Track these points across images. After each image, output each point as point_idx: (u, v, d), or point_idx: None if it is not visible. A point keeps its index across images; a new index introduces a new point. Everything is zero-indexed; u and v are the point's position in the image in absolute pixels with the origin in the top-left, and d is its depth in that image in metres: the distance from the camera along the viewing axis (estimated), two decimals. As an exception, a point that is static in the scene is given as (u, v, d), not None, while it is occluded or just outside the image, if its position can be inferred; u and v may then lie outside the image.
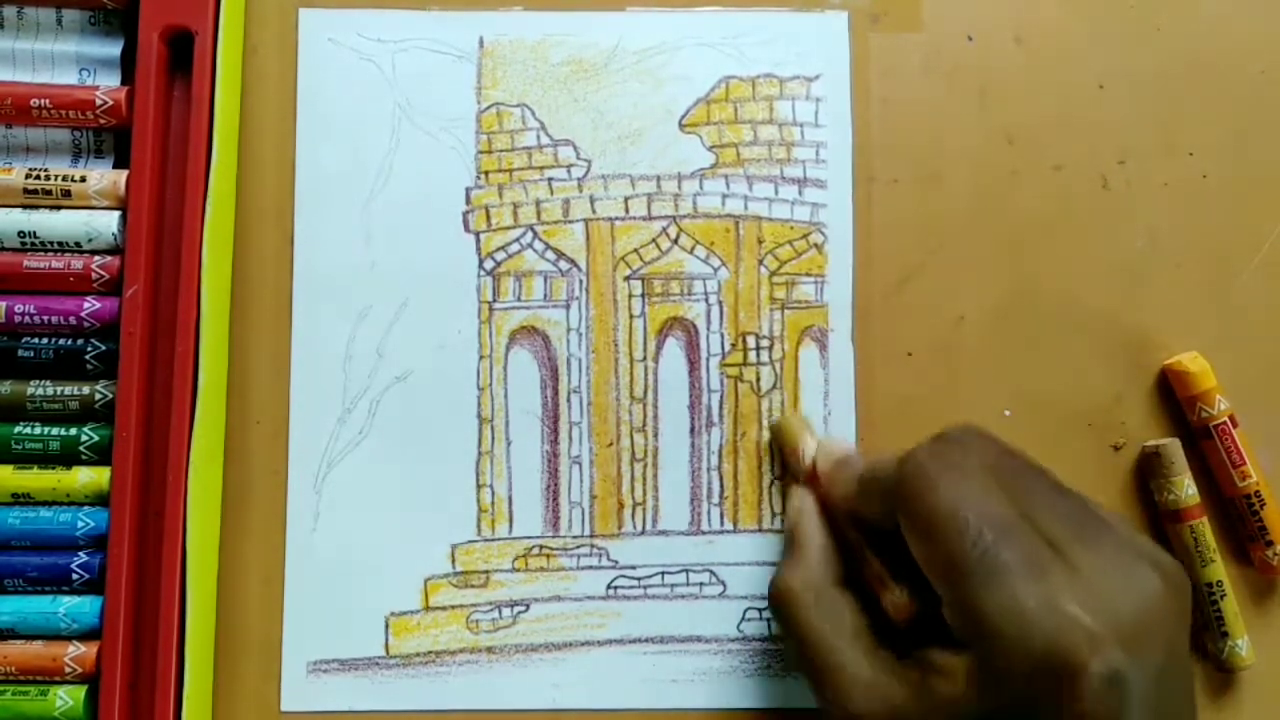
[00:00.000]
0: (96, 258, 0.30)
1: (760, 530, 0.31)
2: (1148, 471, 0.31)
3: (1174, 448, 0.31)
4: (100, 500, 0.30)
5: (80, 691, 0.29)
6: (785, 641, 0.27)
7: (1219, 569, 0.30)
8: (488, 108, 0.32)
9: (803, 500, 0.29)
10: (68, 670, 0.29)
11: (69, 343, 0.30)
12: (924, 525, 0.24)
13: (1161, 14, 0.33)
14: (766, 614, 0.31)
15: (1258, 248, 0.32)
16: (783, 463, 0.31)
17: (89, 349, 0.30)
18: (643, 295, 0.32)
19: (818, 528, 0.28)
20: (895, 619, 0.26)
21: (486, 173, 0.32)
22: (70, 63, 0.31)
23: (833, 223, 0.32)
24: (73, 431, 0.30)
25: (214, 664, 0.30)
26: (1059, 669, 0.21)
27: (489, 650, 0.31)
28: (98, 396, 0.30)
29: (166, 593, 0.29)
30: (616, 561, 0.31)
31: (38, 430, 0.30)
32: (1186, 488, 0.30)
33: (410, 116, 0.32)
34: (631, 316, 0.32)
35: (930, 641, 0.24)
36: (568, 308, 0.32)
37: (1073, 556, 0.23)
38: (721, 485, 0.31)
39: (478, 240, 0.32)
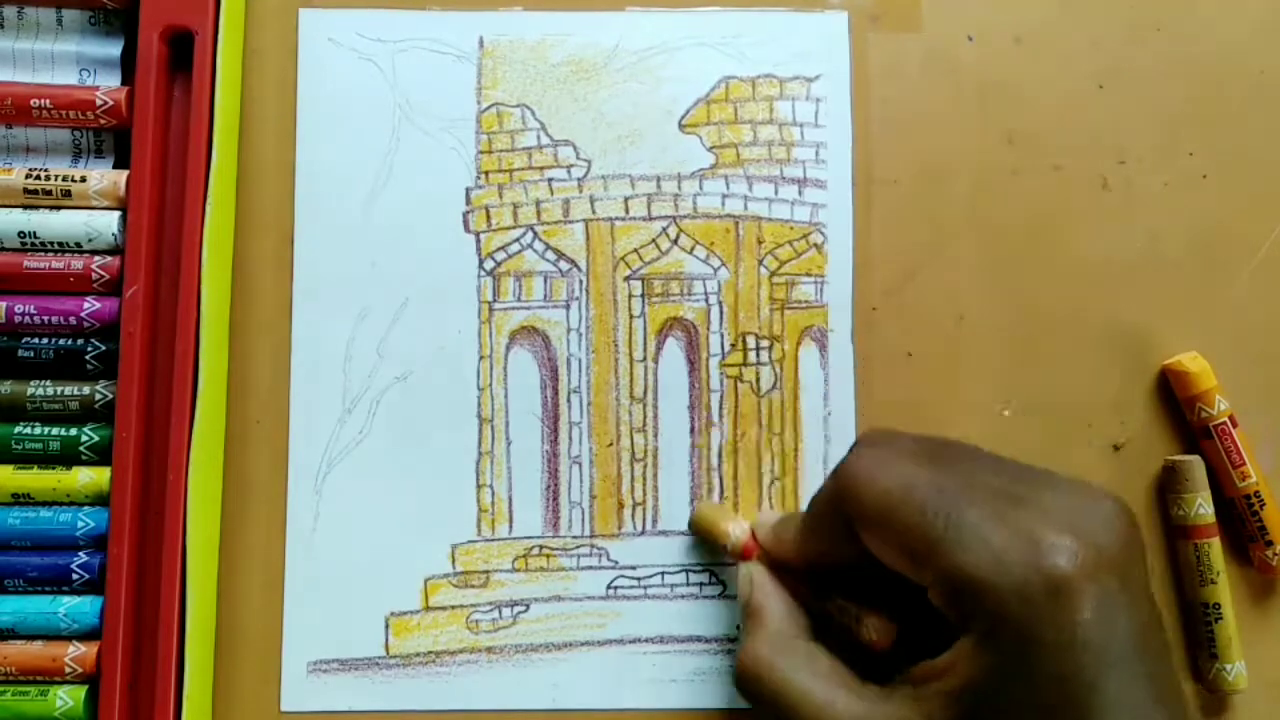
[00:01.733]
0: (96, 258, 0.30)
1: (760, 530, 0.31)
2: (1165, 484, 0.31)
3: (1192, 466, 0.31)
4: (100, 500, 0.30)
5: (80, 692, 0.29)
6: (764, 711, 0.26)
7: (1219, 591, 0.30)
8: (488, 108, 0.32)
9: (752, 572, 0.28)
10: (68, 670, 0.29)
11: (69, 343, 0.30)
12: (881, 517, 0.24)
13: (1161, 14, 0.33)
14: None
15: (1257, 248, 0.32)
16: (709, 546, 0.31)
17: (89, 349, 0.30)
18: (643, 295, 0.32)
19: (772, 593, 0.28)
20: (878, 647, 0.26)
21: (486, 173, 0.32)
22: (70, 63, 0.31)
23: (833, 223, 0.32)
24: (73, 431, 0.30)
25: (214, 664, 0.30)
26: (1054, 591, 0.21)
27: (489, 650, 0.31)
28: (98, 396, 0.30)
29: (166, 593, 0.29)
30: (616, 561, 0.31)
31: (38, 430, 0.30)
32: (1198, 505, 0.30)
33: (410, 117, 0.32)
34: (631, 316, 0.32)
35: (911, 664, 0.24)
36: (568, 308, 0.32)
37: (1033, 498, 0.23)
38: (721, 485, 0.31)
39: (478, 240, 0.32)
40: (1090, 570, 0.22)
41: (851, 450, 0.26)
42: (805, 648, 0.26)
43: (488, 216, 0.32)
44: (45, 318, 0.30)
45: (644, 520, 0.31)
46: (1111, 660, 0.22)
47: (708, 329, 0.32)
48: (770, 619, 0.27)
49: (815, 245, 0.32)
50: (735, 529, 0.29)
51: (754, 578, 0.28)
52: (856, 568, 0.25)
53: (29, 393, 0.30)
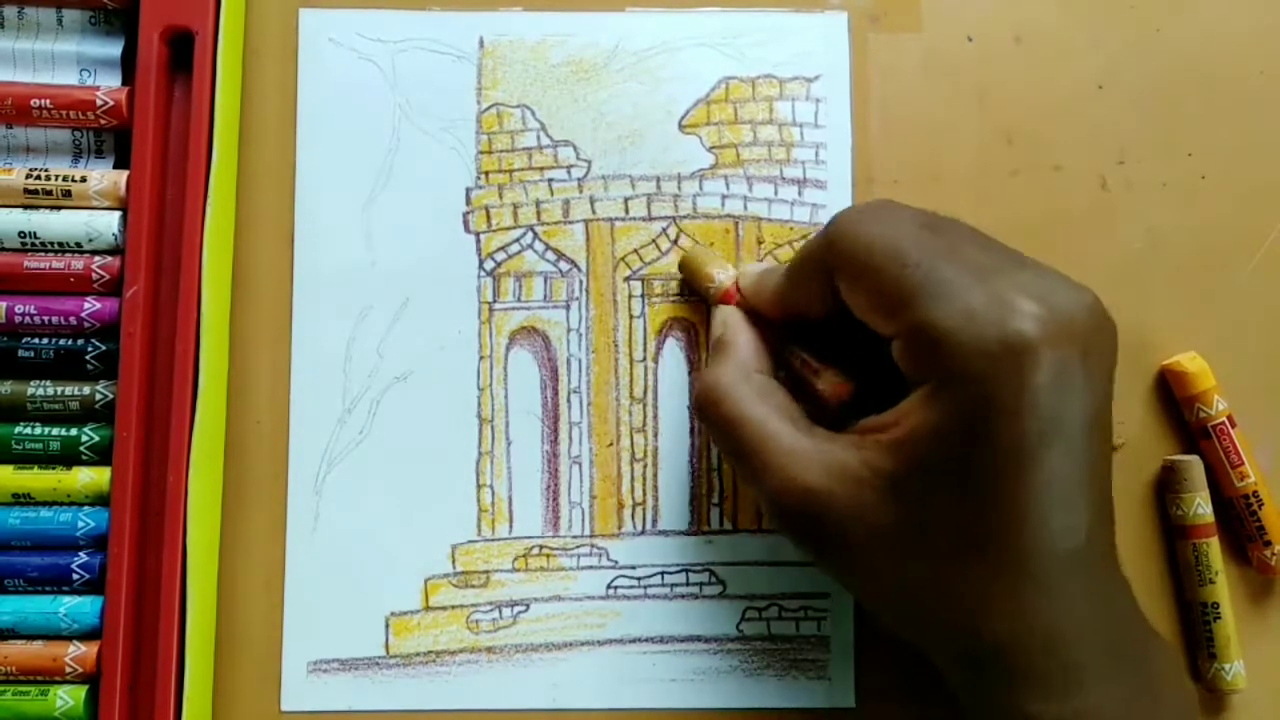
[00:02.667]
0: (97, 258, 0.30)
1: (760, 530, 0.31)
2: (1164, 484, 0.32)
3: (1190, 466, 0.31)
4: (100, 500, 0.30)
5: (80, 691, 0.29)
6: (715, 435, 0.27)
7: (1217, 591, 0.30)
8: (488, 108, 0.32)
9: (727, 314, 0.29)
10: (68, 670, 0.29)
11: (69, 343, 0.30)
12: (862, 265, 0.24)
13: (1161, 15, 0.33)
14: (767, 613, 0.31)
15: (1256, 248, 0.32)
16: (691, 290, 0.31)
17: (89, 349, 0.30)
18: (643, 296, 0.32)
19: (744, 328, 0.28)
20: (832, 401, 0.26)
21: (487, 173, 0.32)
22: (70, 63, 0.31)
23: (832, 223, 0.32)
24: (73, 432, 0.30)
25: (214, 664, 0.30)
26: (1017, 353, 0.22)
27: (489, 650, 0.31)
28: (98, 397, 0.30)
29: (166, 593, 0.29)
30: (616, 561, 0.31)
31: (38, 430, 0.30)
32: (1196, 506, 0.30)
33: (410, 117, 0.32)
34: (631, 317, 0.32)
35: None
36: (568, 308, 0.32)
37: (1012, 271, 0.23)
38: (721, 485, 0.31)
39: (478, 240, 0.32)
40: (1053, 339, 0.22)
41: (852, 207, 0.26)
42: (764, 381, 0.27)
43: (488, 217, 0.32)
44: (45, 318, 0.30)
45: (644, 520, 0.31)
46: (1056, 434, 0.22)
47: (708, 329, 0.32)
48: (737, 348, 0.28)
49: (815, 245, 0.32)
50: (721, 274, 0.30)
51: (728, 318, 0.29)
52: (827, 326, 0.26)
53: (29, 393, 0.30)
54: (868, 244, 0.24)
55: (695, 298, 0.32)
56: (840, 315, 0.25)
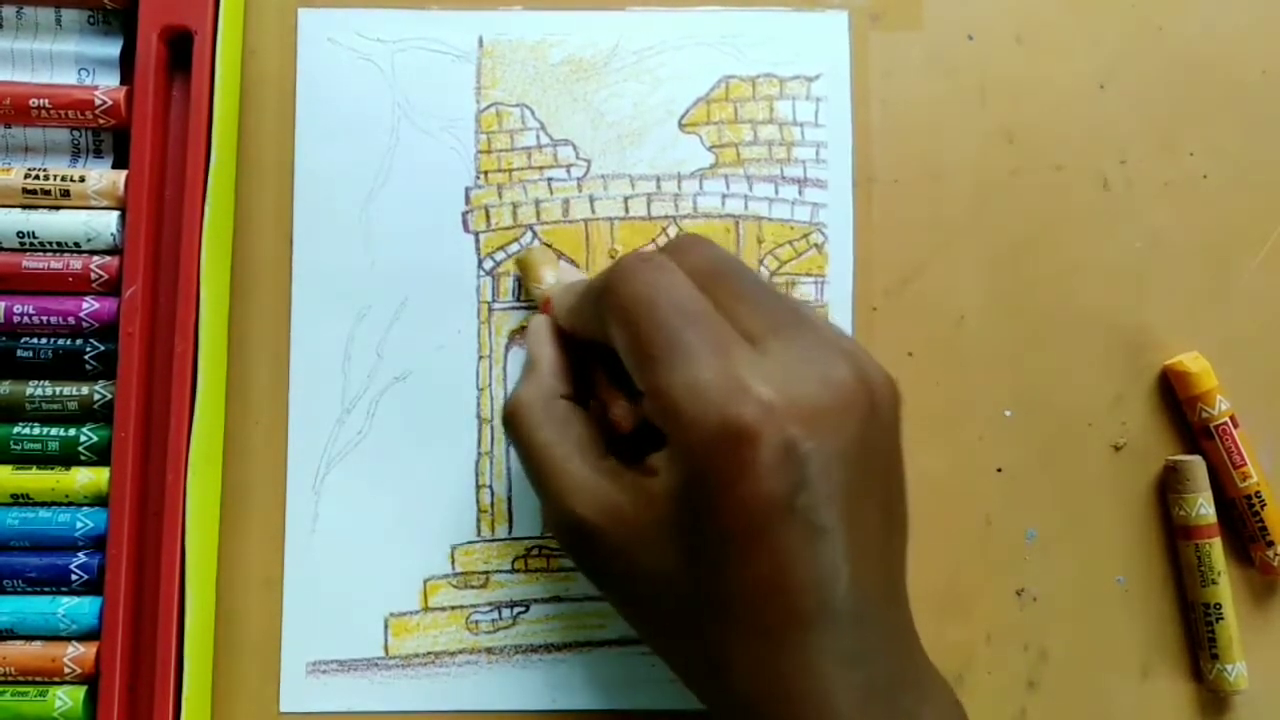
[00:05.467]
0: (95, 258, 0.30)
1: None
2: (1166, 485, 0.31)
3: (1192, 466, 0.31)
4: (99, 501, 0.30)
5: (79, 692, 0.29)
6: (518, 455, 0.27)
7: (1219, 592, 0.30)
8: (487, 107, 0.32)
9: (539, 323, 0.29)
10: (67, 671, 0.29)
11: (68, 343, 0.30)
12: (621, 315, 0.24)
13: (1162, 14, 0.33)
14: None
15: (1259, 247, 0.32)
16: (525, 295, 0.31)
17: (88, 349, 0.30)
18: (642, 295, 0.32)
19: (550, 345, 0.28)
20: (621, 429, 0.26)
21: (486, 173, 0.32)
22: (69, 63, 0.31)
23: (833, 223, 0.32)
24: (71, 432, 0.30)
25: (213, 664, 0.30)
26: (734, 437, 0.22)
27: (488, 651, 0.31)
28: (96, 397, 0.30)
29: (166, 593, 0.29)
30: (616, 562, 0.31)
31: (36, 431, 0.30)
32: (1199, 506, 0.30)
33: (409, 116, 0.32)
34: (631, 317, 0.32)
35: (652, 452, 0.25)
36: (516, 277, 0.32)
37: (763, 344, 0.23)
38: (721, 486, 0.31)
39: (477, 240, 0.32)
40: (778, 423, 0.22)
41: (641, 253, 0.27)
42: (566, 408, 0.27)
43: (487, 216, 0.32)
44: (44, 318, 0.30)
45: (644, 521, 0.31)
46: (785, 513, 0.22)
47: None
48: (541, 368, 0.28)
49: (815, 245, 0.32)
50: (550, 277, 0.30)
51: (537, 331, 0.29)
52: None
53: (28, 393, 0.30)
54: (629, 296, 0.24)
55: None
56: None
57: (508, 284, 0.32)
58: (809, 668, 0.22)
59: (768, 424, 0.22)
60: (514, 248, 0.32)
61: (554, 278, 0.30)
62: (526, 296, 0.31)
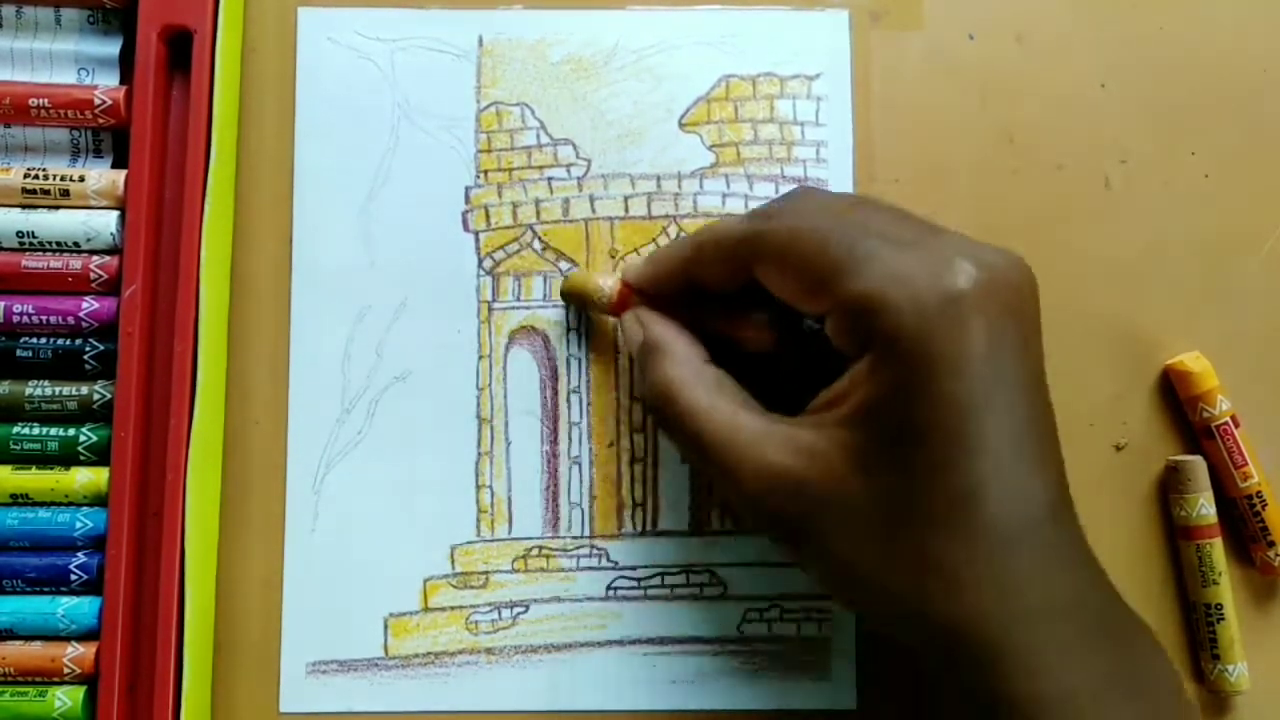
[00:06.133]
0: (95, 257, 0.30)
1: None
2: (1167, 485, 0.31)
3: (1193, 466, 0.30)
4: (99, 501, 0.30)
5: (79, 692, 0.29)
6: (675, 434, 0.26)
7: (1221, 592, 0.30)
8: (487, 107, 0.32)
9: (640, 315, 0.29)
10: (66, 671, 0.29)
11: (67, 343, 0.30)
12: (784, 251, 0.24)
13: (1163, 13, 0.33)
14: (768, 614, 0.31)
15: (1260, 246, 0.32)
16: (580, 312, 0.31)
17: (87, 349, 0.30)
18: (643, 295, 0.32)
19: (663, 324, 0.28)
20: (761, 348, 0.26)
21: (486, 172, 0.32)
22: (69, 62, 0.31)
23: (833, 222, 0.32)
24: (71, 432, 0.30)
25: (213, 665, 0.30)
26: (950, 305, 0.22)
27: (488, 651, 0.31)
28: (96, 397, 0.30)
29: (165, 593, 0.29)
30: (616, 562, 0.31)
31: (36, 431, 0.30)
32: (1200, 506, 0.30)
33: (409, 116, 0.32)
34: (631, 316, 0.32)
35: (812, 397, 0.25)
36: (567, 307, 0.32)
37: (935, 238, 0.24)
38: (722, 485, 0.31)
39: (477, 240, 0.32)
40: (987, 293, 0.22)
41: (773, 202, 0.27)
42: (713, 372, 0.27)
43: (487, 216, 0.32)
44: (43, 317, 0.30)
45: (644, 521, 0.31)
46: (1000, 391, 0.22)
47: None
48: (674, 345, 0.27)
49: (816, 245, 0.32)
50: (606, 282, 0.30)
51: (642, 318, 0.28)
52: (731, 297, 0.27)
53: (27, 393, 0.30)
54: (791, 233, 0.24)
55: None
56: (754, 291, 0.26)
57: (507, 283, 0.32)
58: (1038, 581, 0.22)
59: (978, 293, 0.22)
60: (514, 247, 0.32)
61: (609, 280, 0.30)
62: (593, 313, 0.31)
